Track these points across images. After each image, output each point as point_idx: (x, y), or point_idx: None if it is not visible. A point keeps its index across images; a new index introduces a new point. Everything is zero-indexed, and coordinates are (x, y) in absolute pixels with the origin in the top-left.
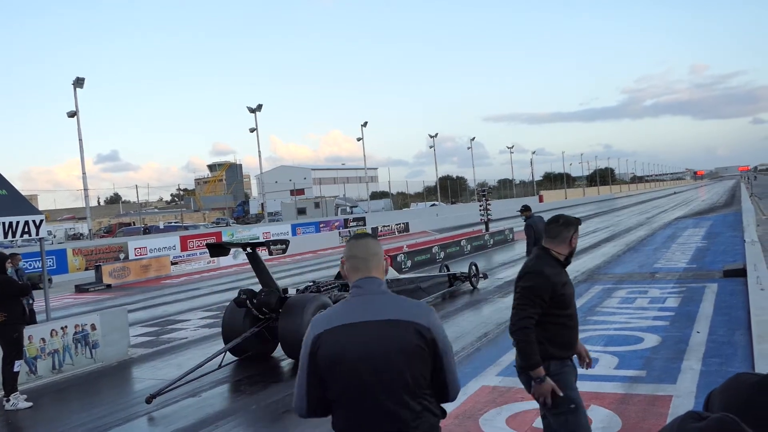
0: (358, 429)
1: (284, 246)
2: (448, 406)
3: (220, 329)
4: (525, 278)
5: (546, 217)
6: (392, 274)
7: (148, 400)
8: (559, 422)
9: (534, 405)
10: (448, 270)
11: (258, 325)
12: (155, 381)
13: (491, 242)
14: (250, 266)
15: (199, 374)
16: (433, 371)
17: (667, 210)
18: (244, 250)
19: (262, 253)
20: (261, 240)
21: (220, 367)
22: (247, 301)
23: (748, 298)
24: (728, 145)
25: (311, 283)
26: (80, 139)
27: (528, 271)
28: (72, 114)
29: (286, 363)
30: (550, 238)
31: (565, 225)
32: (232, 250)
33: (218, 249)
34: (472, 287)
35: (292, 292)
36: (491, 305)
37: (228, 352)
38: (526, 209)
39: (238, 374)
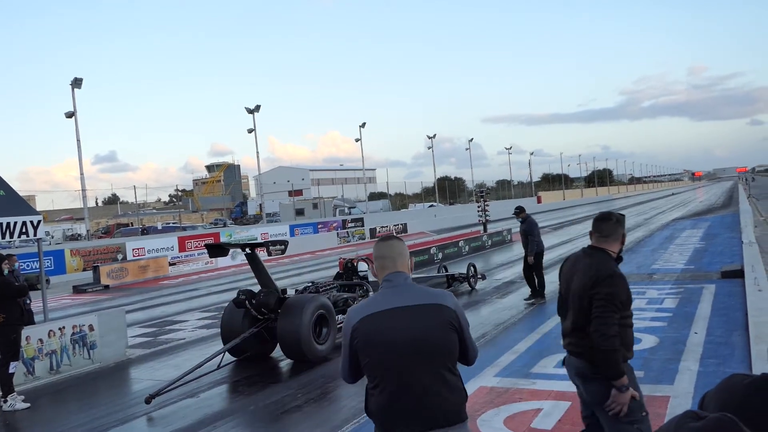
0: (397, 403)
1: (283, 247)
2: None
3: (217, 330)
4: (604, 284)
5: (539, 217)
6: None
7: (147, 401)
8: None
9: (532, 405)
10: (447, 271)
11: (257, 326)
12: (153, 382)
13: (489, 243)
14: (248, 267)
15: (198, 375)
16: (459, 342)
17: (665, 211)
18: (243, 250)
19: (261, 254)
20: (259, 241)
21: (219, 367)
22: (246, 302)
23: (745, 299)
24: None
25: (310, 284)
26: (78, 140)
27: (606, 275)
28: (70, 114)
29: (285, 363)
30: (604, 237)
31: (620, 222)
32: (231, 250)
33: (217, 250)
34: (470, 288)
35: (290, 292)
36: (489, 306)
37: (227, 353)
38: (521, 211)
39: (237, 375)
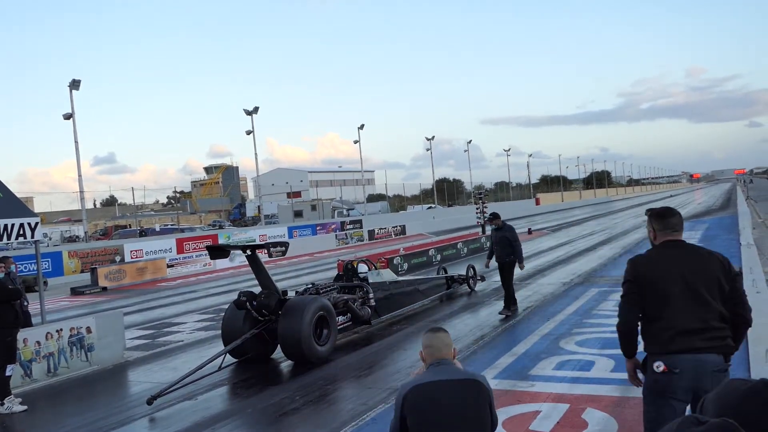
0: None
1: (284, 248)
2: None
3: (215, 332)
4: (732, 267)
5: (537, 219)
6: (390, 276)
7: (149, 402)
8: None
9: (530, 408)
10: (446, 272)
11: (258, 327)
12: (151, 384)
13: (488, 245)
14: (246, 269)
15: (199, 376)
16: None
17: None
18: (244, 252)
19: (262, 255)
20: (260, 242)
21: (220, 368)
22: (247, 303)
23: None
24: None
25: (310, 285)
26: (76, 141)
27: (728, 260)
28: (68, 116)
29: (285, 365)
30: (678, 230)
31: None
32: (232, 252)
33: (218, 252)
34: (469, 289)
35: (291, 294)
36: (488, 308)
37: (227, 354)
38: (495, 217)
39: (235, 377)
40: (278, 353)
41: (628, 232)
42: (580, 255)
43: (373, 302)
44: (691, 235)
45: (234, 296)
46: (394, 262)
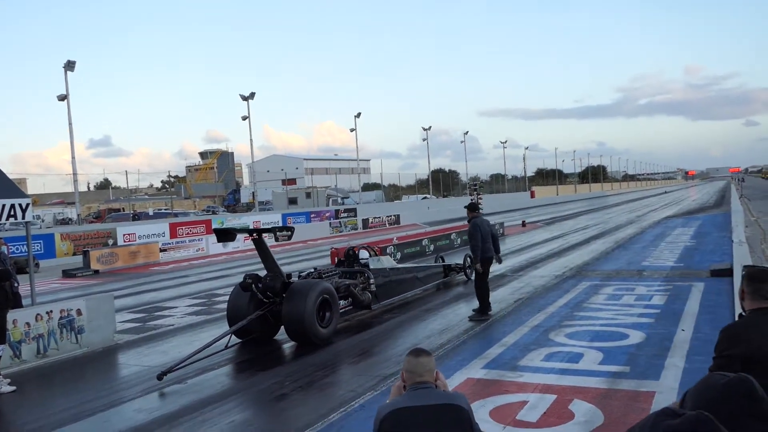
0: None
1: (290, 233)
2: None
3: (207, 317)
4: None
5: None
6: (390, 263)
7: (160, 377)
8: None
9: (517, 398)
10: (443, 261)
11: (262, 308)
12: (141, 368)
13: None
14: (239, 255)
15: (207, 354)
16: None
17: (657, 209)
18: (251, 235)
19: (268, 244)
20: (267, 227)
21: (226, 347)
22: (253, 285)
23: (734, 297)
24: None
25: (313, 270)
26: (70, 123)
27: None
28: (62, 98)
29: (288, 346)
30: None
31: None
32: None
33: (225, 234)
34: (466, 278)
35: (294, 278)
36: None
37: (232, 335)
38: (472, 208)
39: (232, 359)
40: (281, 334)
41: (622, 227)
42: (573, 248)
43: (373, 287)
44: (684, 232)
45: (227, 282)
46: (387, 251)
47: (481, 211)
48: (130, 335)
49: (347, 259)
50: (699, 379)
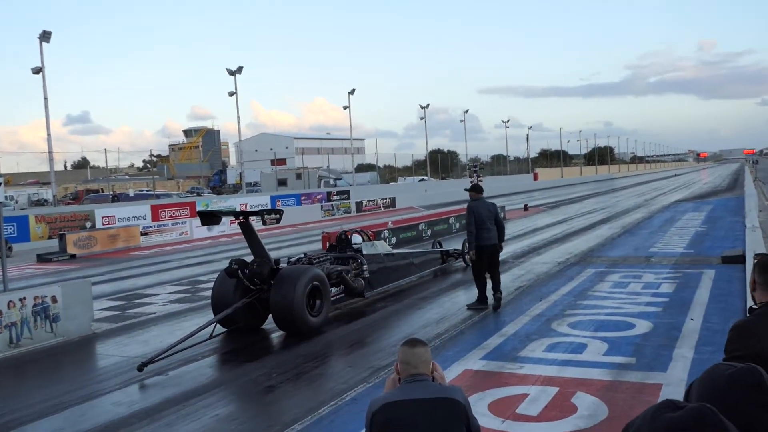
0: None
1: (278, 216)
2: None
3: (190, 305)
4: None
5: (535, 195)
6: (385, 248)
7: (140, 368)
8: None
9: (518, 390)
10: (441, 246)
11: (249, 296)
12: (120, 358)
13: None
14: (224, 239)
15: (190, 344)
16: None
17: (667, 192)
18: (237, 218)
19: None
20: (254, 209)
21: (211, 337)
22: (239, 271)
23: (746, 285)
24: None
25: (303, 255)
26: (45, 98)
27: None
28: (37, 70)
29: (277, 335)
30: None
31: None
32: (223, 219)
33: (210, 217)
34: (465, 265)
35: (283, 264)
36: None
37: (217, 323)
38: (474, 190)
39: (217, 350)
40: (269, 324)
41: (629, 212)
42: (578, 234)
43: (367, 274)
44: (694, 216)
45: (211, 268)
46: (382, 235)
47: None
48: (108, 324)
49: (339, 244)
50: (705, 370)
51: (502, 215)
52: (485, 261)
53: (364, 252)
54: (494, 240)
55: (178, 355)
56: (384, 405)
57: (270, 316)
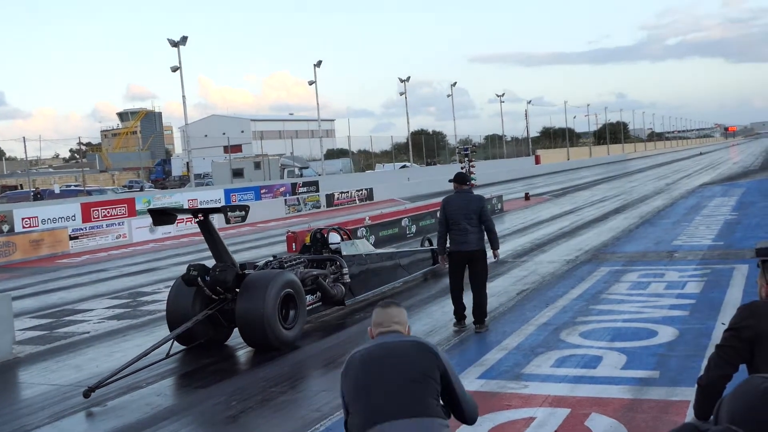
0: (379, 413)
1: (244, 213)
2: None
3: (131, 321)
4: None
5: (537, 181)
6: (367, 247)
7: (86, 394)
8: None
9: (522, 414)
10: (431, 244)
11: (211, 307)
12: (48, 387)
13: None
14: (172, 243)
15: (143, 365)
16: (442, 378)
17: (691, 175)
18: (196, 216)
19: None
20: (215, 206)
21: (168, 356)
22: (198, 279)
23: None
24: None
25: (272, 258)
26: None
27: None
28: None
29: (244, 352)
30: None
31: None
32: (179, 216)
33: (163, 216)
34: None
35: (250, 269)
36: None
37: (174, 341)
38: (459, 180)
39: (171, 371)
40: (235, 338)
41: (648, 199)
42: (588, 226)
43: (347, 278)
44: (724, 202)
45: (155, 276)
46: (358, 234)
47: (473, 182)
48: (33, 346)
49: (314, 244)
50: (738, 383)
51: (498, 207)
52: (459, 271)
53: (344, 253)
54: (472, 245)
55: (118, 382)
56: (357, 352)
57: (236, 329)
